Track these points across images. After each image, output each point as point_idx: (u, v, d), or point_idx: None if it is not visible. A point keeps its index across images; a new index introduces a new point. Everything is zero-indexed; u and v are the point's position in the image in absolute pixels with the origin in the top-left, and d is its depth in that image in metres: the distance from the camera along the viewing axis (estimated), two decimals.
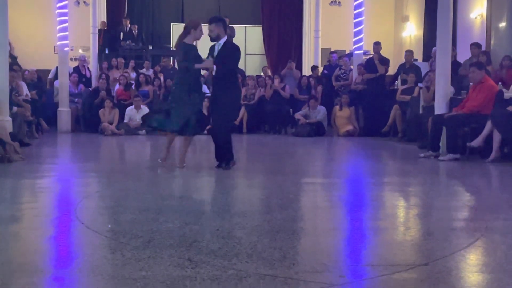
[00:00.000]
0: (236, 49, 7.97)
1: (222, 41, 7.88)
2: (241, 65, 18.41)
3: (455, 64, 11.17)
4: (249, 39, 21.23)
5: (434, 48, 11.11)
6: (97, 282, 3.34)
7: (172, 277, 3.38)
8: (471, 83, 9.65)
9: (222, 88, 7.85)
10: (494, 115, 8.83)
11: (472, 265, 3.84)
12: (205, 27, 7.88)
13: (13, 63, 14.75)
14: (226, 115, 7.88)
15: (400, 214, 5.65)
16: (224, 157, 7.92)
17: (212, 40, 7.95)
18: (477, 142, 8.89)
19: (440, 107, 9.64)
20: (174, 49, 7.66)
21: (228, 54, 7.83)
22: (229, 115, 8.01)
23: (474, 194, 6.58)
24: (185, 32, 7.86)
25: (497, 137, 8.70)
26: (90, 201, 5.88)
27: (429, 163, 8.91)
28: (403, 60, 13.98)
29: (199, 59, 7.88)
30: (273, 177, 7.48)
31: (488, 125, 8.79)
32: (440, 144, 9.28)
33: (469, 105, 9.21)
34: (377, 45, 13.77)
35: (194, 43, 8.18)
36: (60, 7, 14.30)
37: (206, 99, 12.63)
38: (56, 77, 15.73)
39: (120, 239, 4.24)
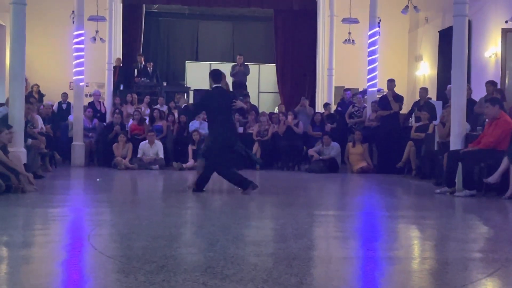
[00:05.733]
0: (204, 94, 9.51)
1: None
2: (254, 101, 18.60)
3: (470, 102, 11.11)
4: (263, 77, 21.39)
5: (449, 86, 11.08)
6: None
7: None
8: (486, 120, 9.58)
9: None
10: (511, 151, 8.75)
11: None
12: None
13: (40, 101, 14.95)
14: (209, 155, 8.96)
15: (417, 245, 5.56)
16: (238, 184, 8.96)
17: None
18: (493, 178, 8.78)
19: (455, 143, 9.56)
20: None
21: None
22: (211, 156, 8.89)
23: (492, 228, 6.46)
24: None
25: None
26: (103, 229, 5.84)
27: (444, 198, 8.80)
28: (417, 99, 13.94)
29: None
30: (287, 209, 7.42)
31: (505, 161, 8.69)
32: (456, 180, 9.15)
33: (485, 140, 9.13)
34: (391, 82, 13.72)
35: None
36: (77, 43, 14.49)
37: None
38: (60, 111, 15.88)
39: (134, 263, 4.19)
